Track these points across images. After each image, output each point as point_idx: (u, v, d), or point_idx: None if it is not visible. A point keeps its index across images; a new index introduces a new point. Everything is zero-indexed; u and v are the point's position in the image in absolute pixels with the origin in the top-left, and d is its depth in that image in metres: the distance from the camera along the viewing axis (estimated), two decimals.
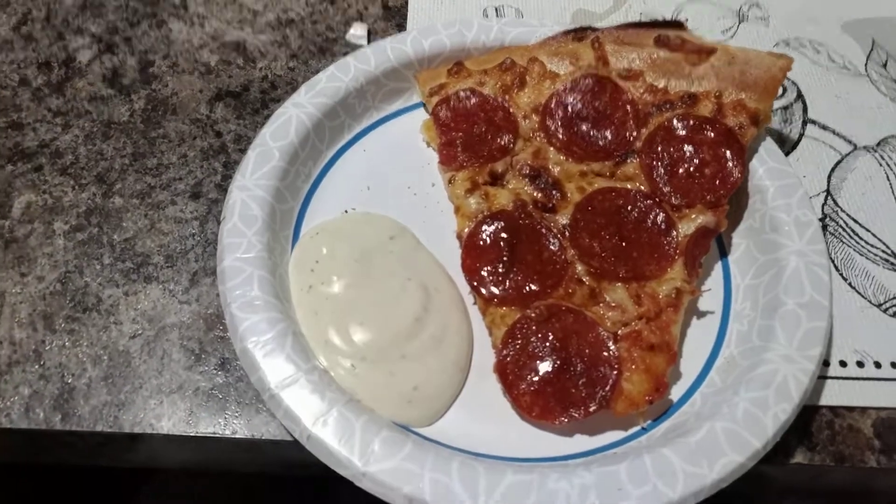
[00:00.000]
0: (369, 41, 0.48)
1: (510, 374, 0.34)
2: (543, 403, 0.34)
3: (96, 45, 0.48)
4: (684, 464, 0.31)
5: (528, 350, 0.35)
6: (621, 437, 0.34)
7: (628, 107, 0.41)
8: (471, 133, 0.41)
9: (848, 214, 0.42)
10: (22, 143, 0.44)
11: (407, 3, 0.50)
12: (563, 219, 0.39)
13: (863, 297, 0.39)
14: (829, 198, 0.43)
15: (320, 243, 0.38)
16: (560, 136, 0.41)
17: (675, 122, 0.40)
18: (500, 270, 0.37)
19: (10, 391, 0.35)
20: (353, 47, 0.48)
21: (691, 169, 0.39)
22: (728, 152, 0.39)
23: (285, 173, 0.40)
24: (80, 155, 0.44)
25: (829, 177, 0.44)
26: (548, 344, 0.35)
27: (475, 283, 0.37)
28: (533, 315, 0.35)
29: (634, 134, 0.41)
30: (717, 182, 0.39)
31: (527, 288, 0.36)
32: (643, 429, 0.34)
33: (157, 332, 0.37)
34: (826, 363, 0.37)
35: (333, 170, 0.43)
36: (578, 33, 0.43)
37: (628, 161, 0.40)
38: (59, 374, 0.36)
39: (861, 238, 0.41)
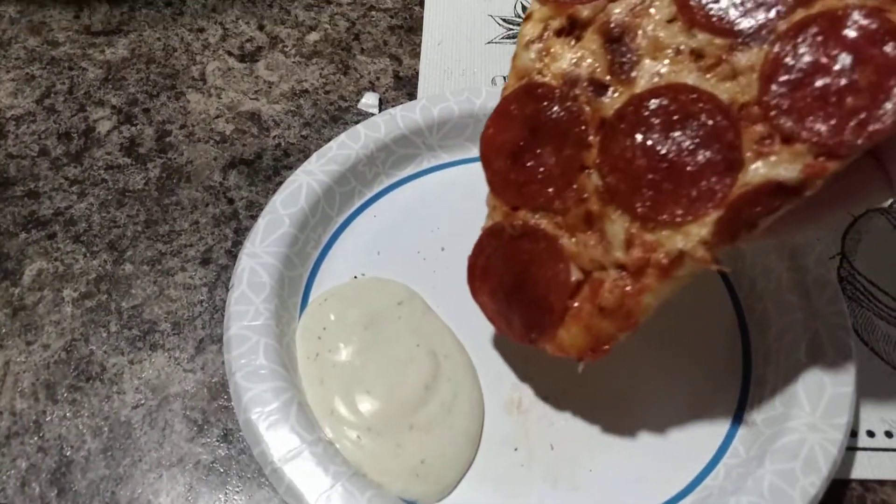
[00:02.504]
0: (380, 110, 0.49)
1: (476, 277, 0.35)
2: (494, 311, 0.35)
3: (116, 117, 0.49)
4: None
5: (493, 262, 0.34)
6: None
7: None
8: None
9: (865, 277, 0.41)
10: (37, 212, 0.44)
11: (418, 73, 0.51)
12: (608, 109, 0.29)
13: (887, 362, 0.38)
14: (844, 260, 0.42)
15: (328, 310, 0.38)
16: None
17: (854, 14, 0.26)
18: (512, 148, 0.32)
19: (6, 464, 0.34)
20: (365, 116, 0.49)
21: (832, 88, 0.26)
22: None
23: (295, 240, 0.40)
24: (94, 222, 0.44)
25: (844, 239, 0.43)
26: (508, 266, 0.33)
27: (486, 153, 0.33)
28: (506, 229, 0.32)
29: (784, 9, 0.27)
30: (853, 122, 0.25)
31: (527, 185, 0.32)
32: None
33: (159, 402, 0.37)
34: (854, 433, 0.35)
35: (343, 236, 0.42)
36: None
37: (752, 47, 0.27)
38: (57, 446, 0.35)
39: (880, 301, 0.40)
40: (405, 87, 0.51)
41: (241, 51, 0.53)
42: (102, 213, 0.44)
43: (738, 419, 0.35)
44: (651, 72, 0.29)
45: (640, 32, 0.29)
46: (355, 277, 0.41)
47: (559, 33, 0.31)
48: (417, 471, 0.33)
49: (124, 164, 0.47)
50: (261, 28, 0.55)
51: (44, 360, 0.38)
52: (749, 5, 0.27)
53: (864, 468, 0.34)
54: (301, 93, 0.51)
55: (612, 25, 0.30)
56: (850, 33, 0.26)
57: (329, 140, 0.44)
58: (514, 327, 0.34)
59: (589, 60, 0.30)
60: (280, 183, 0.42)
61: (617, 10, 0.30)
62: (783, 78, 0.26)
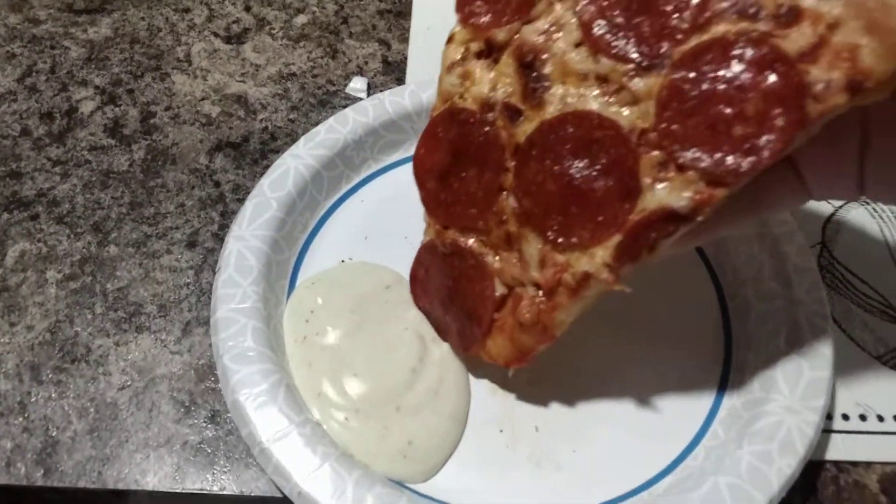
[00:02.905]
0: (369, 94, 0.49)
1: (417, 287, 0.38)
2: (433, 319, 0.37)
3: (99, 97, 0.49)
4: None
5: (431, 274, 0.36)
6: (622, 492, 0.33)
7: None
8: None
9: (845, 266, 0.42)
10: (20, 192, 0.44)
11: (406, 58, 0.51)
12: (523, 135, 0.30)
13: (863, 349, 0.39)
14: (824, 249, 0.43)
15: (316, 293, 0.38)
16: (588, 6, 0.29)
17: (744, 41, 0.26)
18: (439, 170, 0.34)
19: None
20: (353, 100, 0.49)
21: (722, 116, 0.26)
22: (780, 119, 0.25)
23: (282, 224, 0.40)
24: (77, 204, 0.44)
25: (824, 229, 0.44)
26: (443, 279, 0.35)
27: (418, 173, 0.35)
28: (439, 246, 0.35)
29: (681, 36, 0.27)
30: (740, 151, 0.26)
31: (454, 206, 0.34)
32: (646, 484, 0.33)
33: (146, 384, 0.37)
34: (829, 417, 0.36)
35: (331, 220, 0.42)
36: None
37: (650, 74, 0.27)
38: (43, 427, 0.35)
39: (858, 290, 0.41)
40: (394, 71, 0.51)
41: (227, 32, 0.53)
42: (86, 194, 0.44)
43: (718, 402, 0.36)
44: (559, 97, 0.30)
45: (550, 57, 0.30)
46: (343, 261, 0.41)
47: (479, 56, 0.32)
48: (404, 452, 0.33)
49: (108, 146, 0.46)
50: (247, 9, 0.55)
51: (28, 341, 0.38)
52: (646, 31, 0.28)
53: (839, 450, 0.35)
54: (288, 76, 0.50)
55: (525, 49, 0.30)
56: (741, 61, 0.26)
57: (317, 124, 0.44)
58: (451, 335, 0.36)
59: (505, 84, 0.31)
60: (267, 167, 0.42)
61: (529, 33, 0.30)
62: (677, 105, 0.27)
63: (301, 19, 0.54)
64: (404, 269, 0.40)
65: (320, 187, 0.42)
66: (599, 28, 0.29)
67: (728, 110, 0.26)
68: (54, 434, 0.35)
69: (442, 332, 0.37)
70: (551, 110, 0.30)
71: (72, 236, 0.42)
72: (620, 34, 0.28)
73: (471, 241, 0.34)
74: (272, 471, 0.32)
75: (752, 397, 0.35)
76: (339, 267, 0.40)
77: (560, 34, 0.30)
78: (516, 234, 0.31)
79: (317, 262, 0.41)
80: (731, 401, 0.36)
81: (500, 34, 0.31)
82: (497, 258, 0.33)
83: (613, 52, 0.28)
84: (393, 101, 0.45)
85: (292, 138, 0.46)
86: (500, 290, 0.33)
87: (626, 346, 0.38)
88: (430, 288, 0.37)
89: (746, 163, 0.26)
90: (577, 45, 0.29)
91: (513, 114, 0.31)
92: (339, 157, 0.43)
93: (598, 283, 0.29)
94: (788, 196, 0.31)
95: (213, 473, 0.34)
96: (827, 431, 0.36)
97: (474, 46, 0.32)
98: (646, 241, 0.28)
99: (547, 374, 0.37)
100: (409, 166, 0.45)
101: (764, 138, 0.25)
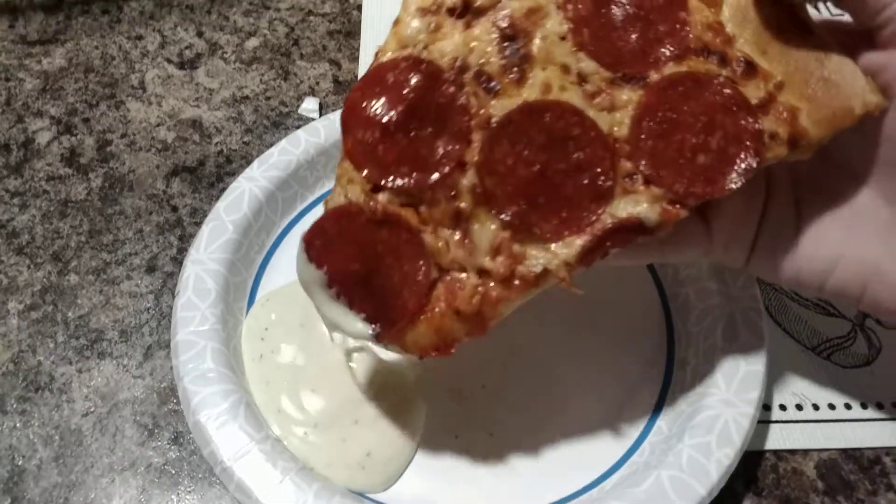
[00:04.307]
0: (321, 114, 0.51)
1: (312, 259, 0.31)
2: (347, 294, 0.31)
3: (55, 127, 0.49)
4: None
5: (334, 248, 0.30)
6: (574, 489, 0.35)
7: (678, 25, 0.30)
8: None
9: None
10: None
11: (357, 77, 0.53)
12: (497, 109, 0.29)
13: (797, 341, 0.41)
14: None
15: (270, 310, 0.39)
16: (578, 5, 0.30)
17: (715, 81, 0.29)
18: (385, 120, 0.29)
19: None
20: (306, 120, 0.50)
21: (688, 144, 0.29)
22: (739, 157, 0.28)
23: (239, 246, 0.41)
24: (37, 234, 0.44)
25: None
26: (359, 253, 0.30)
27: (349, 119, 0.30)
28: (364, 211, 0.30)
29: (662, 59, 0.29)
30: (702, 178, 0.29)
31: (398, 165, 0.29)
32: (596, 481, 0.35)
33: (109, 409, 0.37)
34: (767, 407, 0.38)
35: (287, 239, 0.44)
36: None
37: (630, 88, 0.29)
38: (8, 456, 0.36)
39: None
40: (345, 91, 0.52)
41: (180, 58, 0.54)
42: (45, 224, 0.45)
43: (662, 399, 0.38)
44: (541, 81, 0.29)
45: (534, 40, 0.29)
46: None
47: (451, 13, 0.30)
48: (363, 463, 0.35)
49: (66, 175, 0.47)
50: (200, 35, 0.56)
51: None
52: (632, 47, 0.30)
53: (777, 439, 0.37)
54: (242, 99, 0.51)
55: (506, 25, 0.29)
56: (710, 98, 0.29)
57: (271, 146, 0.45)
58: (364, 311, 0.30)
59: (481, 51, 0.29)
60: (223, 189, 0.43)
61: (514, 5, 0.30)
62: (649, 124, 0.29)
63: (253, 42, 0.55)
64: None
65: (275, 208, 0.43)
66: (588, 29, 0.30)
67: (694, 140, 0.29)
68: (20, 463, 0.36)
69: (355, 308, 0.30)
70: (532, 93, 0.29)
71: (32, 266, 0.43)
72: (607, 40, 0.30)
73: (408, 213, 0.29)
74: (234, 488, 0.33)
75: (693, 392, 0.37)
76: (292, 283, 0.41)
77: (549, 22, 0.30)
78: (467, 213, 0.29)
79: (274, 281, 0.42)
80: (673, 397, 0.38)
81: None
82: (436, 237, 0.29)
83: (598, 55, 0.29)
84: None
85: (247, 160, 0.47)
86: (433, 273, 0.29)
87: (574, 349, 0.39)
88: (331, 260, 0.30)
89: (708, 190, 0.28)
90: (563, 38, 0.30)
91: (487, 84, 0.29)
92: (293, 178, 0.44)
93: (552, 281, 0.29)
94: (693, 245, 0.33)
95: (178, 494, 0.35)
96: (765, 422, 0.38)
97: (448, 1, 0.30)
98: (604, 248, 0.29)
99: (498, 380, 0.38)
100: None
101: (725, 171, 0.28)
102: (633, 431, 0.37)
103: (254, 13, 0.57)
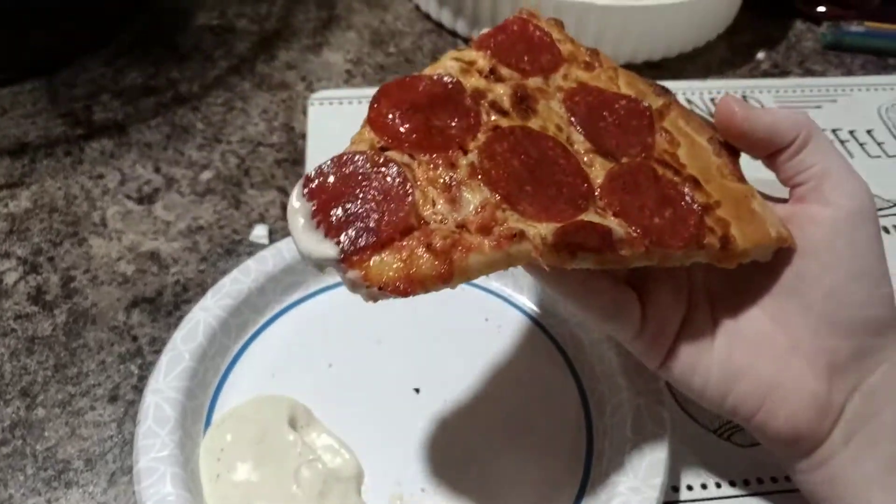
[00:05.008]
0: (270, 240, 0.56)
1: (311, 182, 0.33)
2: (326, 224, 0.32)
3: (22, 267, 0.54)
4: None
5: (337, 182, 0.32)
6: None
7: (649, 139, 0.38)
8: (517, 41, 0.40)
9: None
10: None
11: None
12: (504, 123, 0.35)
13: (701, 425, 0.46)
14: None
15: (225, 431, 0.43)
16: (579, 106, 0.38)
17: (669, 178, 0.37)
18: (408, 105, 0.35)
19: None
20: (257, 247, 0.55)
21: (647, 206, 0.35)
22: (687, 229, 0.35)
23: (195, 372, 0.45)
24: (6, 372, 0.48)
25: None
26: (353, 188, 0.32)
27: (379, 98, 0.35)
28: (358, 159, 0.33)
29: (632, 152, 0.38)
30: (655, 233, 0.35)
31: (410, 133, 0.34)
32: None
33: None
34: (676, 489, 0.43)
35: (241, 361, 0.48)
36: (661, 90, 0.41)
37: (605, 159, 0.36)
38: None
39: None
40: None
41: (139, 193, 0.59)
42: (13, 361, 0.48)
43: (582, 490, 0.42)
44: (540, 125, 0.36)
45: (540, 102, 0.37)
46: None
47: (479, 72, 0.38)
48: None
49: (32, 313, 0.51)
50: (157, 170, 0.61)
51: None
52: (611, 139, 0.38)
53: None
54: (197, 229, 0.56)
55: (520, 94, 0.37)
56: (665, 186, 0.36)
57: (225, 272, 0.49)
58: (345, 234, 0.31)
59: (498, 94, 0.37)
60: (181, 317, 0.48)
61: (529, 83, 0.38)
62: (619, 186, 0.35)
63: (206, 175, 0.61)
64: (307, 398, 0.45)
65: (228, 334, 0.48)
66: (578, 119, 0.38)
67: (651, 206, 0.35)
68: None
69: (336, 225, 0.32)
70: (534, 125, 0.36)
71: (1, 403, 0.46)
72: (593, 130, 0.37)
73: (411, 164, 0.33)
74: None
75: (607, 482, 0.41)
76: (246, 403, 0.45)
77: (551, 101, 0.38)
78: (460, 181, 0.32)
79: (229, 402, 0.46)
80: (593, 486, 0.42)
81: (533, 83, 0.38)
82: (425, 194, 0.32)
83: (585, 131, 0.37)
84: (290, 248, 0.51)
85: (203, 288, 0.52)
86: (413, 219, 0.31)
87: (502, 446, 0.44)
88: (324, 194, 0.32)
89: (662, 239, 0.34)
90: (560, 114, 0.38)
91: (499, 108, 0.36)
92: (244, 305, 0.49)
93: (525, 248, 0.31)
94: (629, 321, 0.38)
95: None
96: (674, 503, 0.42)
97: (480, 64, 0.38)
98: (573, 245, 0.32)
99: (435, 482, 0.42)
100: (308, 303, 0.52)
101: (676, 233, 0.35)
102: None
103: (207, 147, 0.63)
